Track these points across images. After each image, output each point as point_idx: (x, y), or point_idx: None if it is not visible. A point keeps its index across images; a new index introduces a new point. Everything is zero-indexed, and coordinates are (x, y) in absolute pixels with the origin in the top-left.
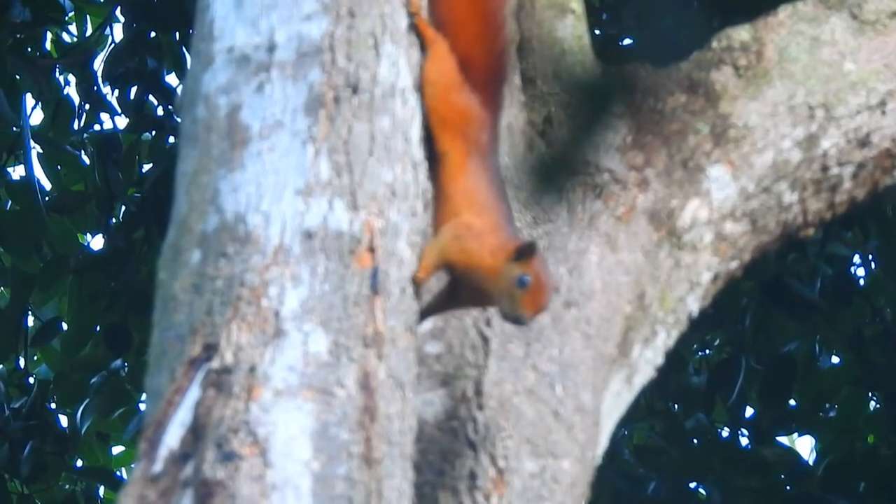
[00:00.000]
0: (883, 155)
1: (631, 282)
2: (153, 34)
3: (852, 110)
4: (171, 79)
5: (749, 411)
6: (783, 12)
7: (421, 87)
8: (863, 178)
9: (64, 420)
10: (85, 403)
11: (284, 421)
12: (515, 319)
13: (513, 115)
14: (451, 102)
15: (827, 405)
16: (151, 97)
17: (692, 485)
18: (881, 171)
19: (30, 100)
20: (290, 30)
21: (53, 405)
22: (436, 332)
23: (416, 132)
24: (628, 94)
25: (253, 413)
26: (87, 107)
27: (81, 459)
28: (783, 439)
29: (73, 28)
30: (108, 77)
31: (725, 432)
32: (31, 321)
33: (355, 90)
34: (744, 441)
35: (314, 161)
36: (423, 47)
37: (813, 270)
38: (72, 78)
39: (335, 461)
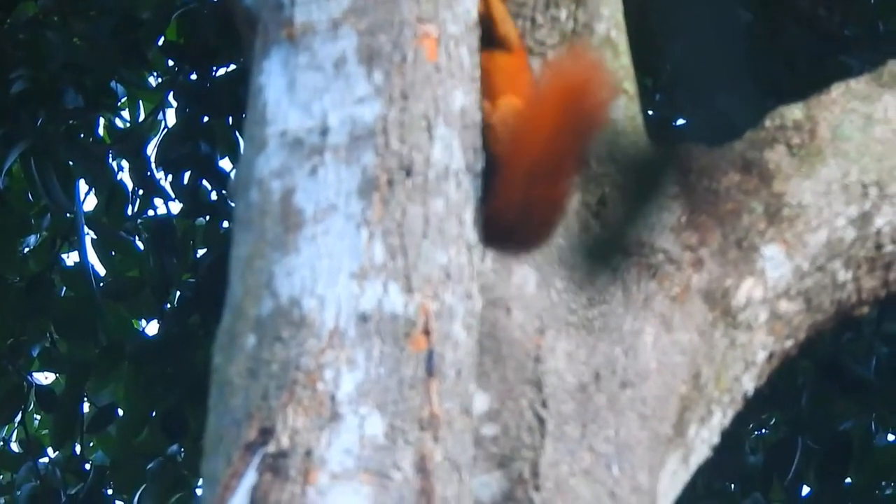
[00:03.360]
0: None
1: (686, 362)
2: (206, 119)
3: None
4: (225, 163)
5: (806, 490)
6: (836, 90)
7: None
8: None
9: None
10: (142, 489)
11: None
12: None
13: None
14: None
15: (884, 483)
16: (205, 182)
17: None
18: None
19: (83, 186)
20: (343, 113)
21: (110, 491)
22: (492, 414)
23: (469, 214)
24: (682, 175)
25: (310, 497)
26: (140, 192)
27: None
28: None
29: (125, 114)
30: (161, 162)
31: None
32: (86, 407)
33: (409, 173)
34: None
35: (368, 244)
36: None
37: (868, 349)
38: (125, 164)
39: None
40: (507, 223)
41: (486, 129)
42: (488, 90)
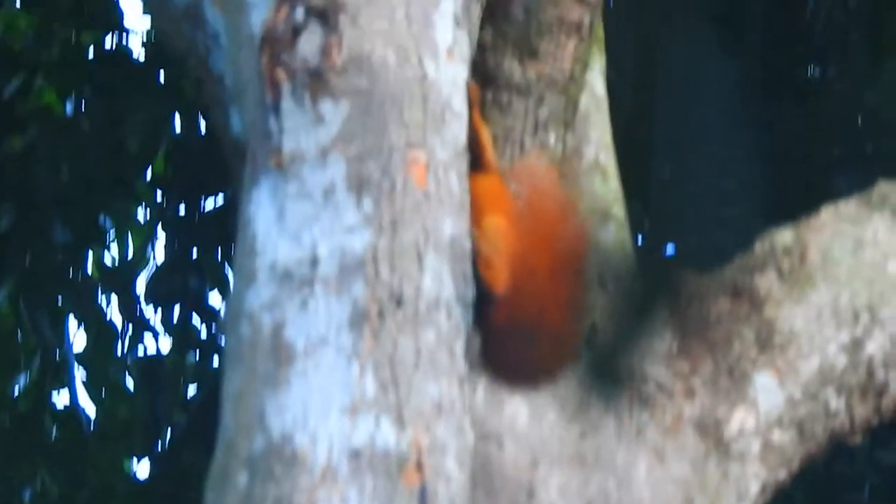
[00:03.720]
0: None
1: (679, 493)
2: (195, 252)
3: None
4: (215, 298)
5: None
6: (826, 213)
7: None
8: None
9: None
10: None
11: None
12: None
13: None
14: None
15: None
16: (195, 317)
17: None
18: None
19: (72, 323)
20: (333, 243)
21: None
22: None
23: (460, 345)
24: (673, 301)
25: None
26: (130, 329)
27: None
28: None
29: (114, 248)
30: (150, 298)
31: None
32: None
33: (399, 303)
34: None
35: (360, 378)
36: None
37: (861, 477)
38: (114, 299)
39: None
40: (508, 355)
41: (476, 256)
42: (474, 211)
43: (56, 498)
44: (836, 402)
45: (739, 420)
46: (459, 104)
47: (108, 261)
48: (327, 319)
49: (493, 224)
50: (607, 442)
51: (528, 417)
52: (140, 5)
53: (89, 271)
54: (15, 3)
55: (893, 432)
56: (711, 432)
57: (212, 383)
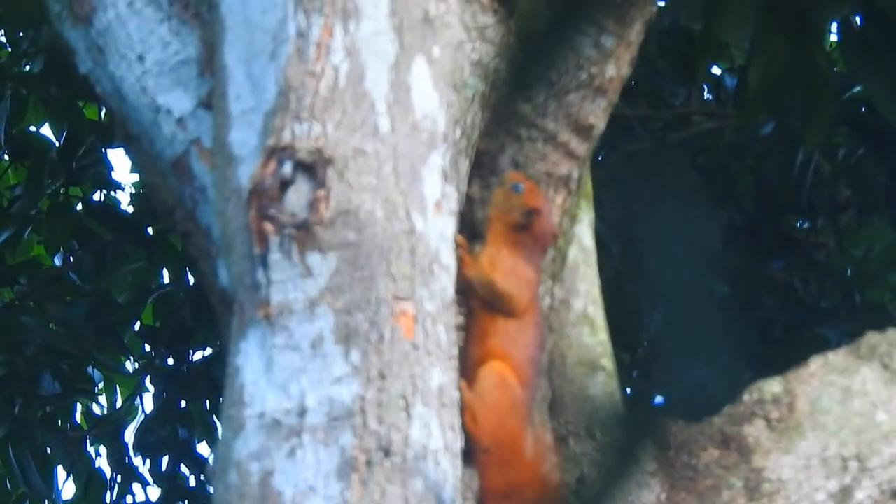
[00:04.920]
0: None
1: None
2: (184, 403)
3: (885, 461)
4: (203, 448)
5: None
6: (814, 363)
7: None
8: None
9: None
10: None
11: None
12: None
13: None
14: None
15: None
16: (183, 467)
17: None
18: None
19: (61, 473)
20: (321, 393)
21: None
22: None
23: (449, 493)
24: (661, 451)
25: None
26: (118, 478)
27: None
28: None
29: (102, 399)
30: (139, 447)
31: None
32: None
33: (387, 453)
34: None
35: None
36: None
37: None
38: (103, 449)
39: None
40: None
41: (464, 409)
42: (480, 354)
43: None
44: None
45: None
46: (447, 257)
47: (96, 411)
48: (315, 468)
49: (488, 374)
50: None
51: None
52: (128, 159)
53: (78, 421)
54: (3, 156)
55: None
56: None
57: None
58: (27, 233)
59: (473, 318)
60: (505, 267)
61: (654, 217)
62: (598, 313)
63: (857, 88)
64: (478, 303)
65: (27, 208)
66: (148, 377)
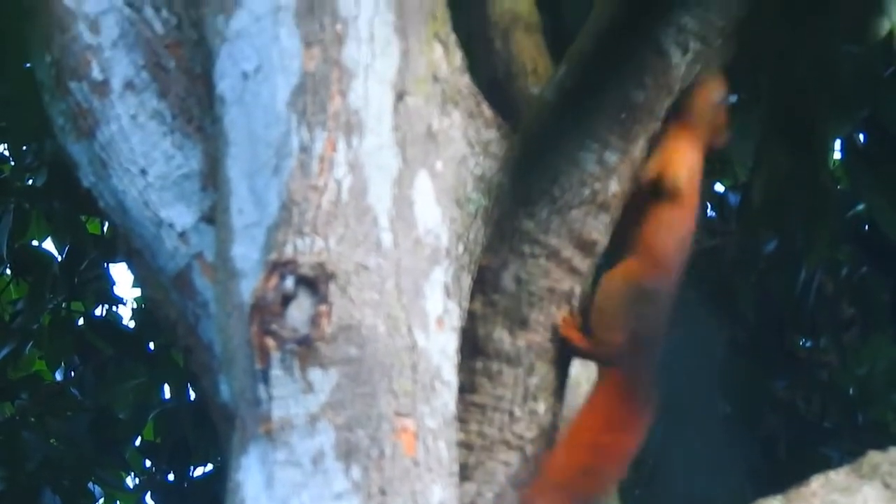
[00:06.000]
0: None
1: None
2: None
3: None
4: None
5: None
6: (816, 482)
7: None
8: None
9: None
10: None
11: None
12: None
13: None
14: None
15: None
16: None
17: None
18: None
19: None
20: None
21: None
22: None
23: None
24: None
25: None
26: None
27: None
28: None
29: None
30: None
31: None
32: None
33: None
34: None
35: None
36: None
37: None
38: None
39: None
40: None
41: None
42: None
43: None
44: None
45: None
46: (449, 373)
47: None
48: None
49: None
50: None
51: None
52: (130, 274)
53: None
54: (5, 270)
55: None
56: None
57: None
58: (28, 347)
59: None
60: (690, 163)
61: None
62: None
63: (861, 206)
64: (645, 194)
65: (29, 323)
66: (149, 493)
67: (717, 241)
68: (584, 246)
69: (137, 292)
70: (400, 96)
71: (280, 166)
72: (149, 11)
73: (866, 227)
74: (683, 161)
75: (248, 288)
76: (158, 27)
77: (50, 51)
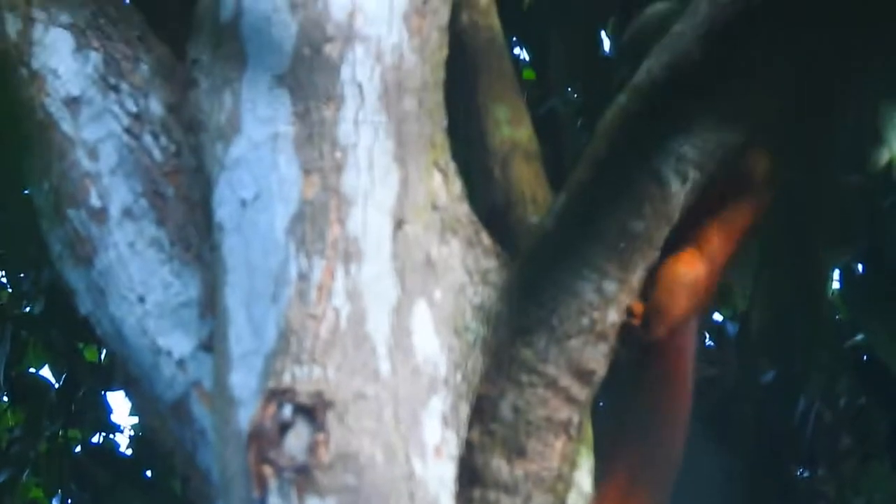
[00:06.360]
0: None
1: None
2: None
3: None
4: None
5: None
6: None
7: None
8: None
9: None
10: None
11: None
12: None
13: None
14: None
15: None
16: None
17: None
18: None
19: None
20: None
21: None
22: None
23: None
24: None
25: None
26: None
27: None
28: None
29: None
30: None
31: None
32: None
33: None
34: None
35: None
36: None
37: None
38: None
39: None
40: None
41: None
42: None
43: None
44: None
45: None
46: (447, 502)
47: None
48: None
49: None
50: None
51: None
52: (128, 401)
53: None
54: (2, 398)
55: None
56: None
57: None
58: (25, 475)
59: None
60: None
61: None
62: None
63: (860, 336)
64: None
65: (26, 450)
66: None
67: (716, 371)
68: (583, 375)
69: (135, 420)
70: (399, 224)
71: (278, 294)
72: (148, 138)
73: (865, 357)
74: None
75: (245, 416)
76: (157, 154)
77: (48, 177)
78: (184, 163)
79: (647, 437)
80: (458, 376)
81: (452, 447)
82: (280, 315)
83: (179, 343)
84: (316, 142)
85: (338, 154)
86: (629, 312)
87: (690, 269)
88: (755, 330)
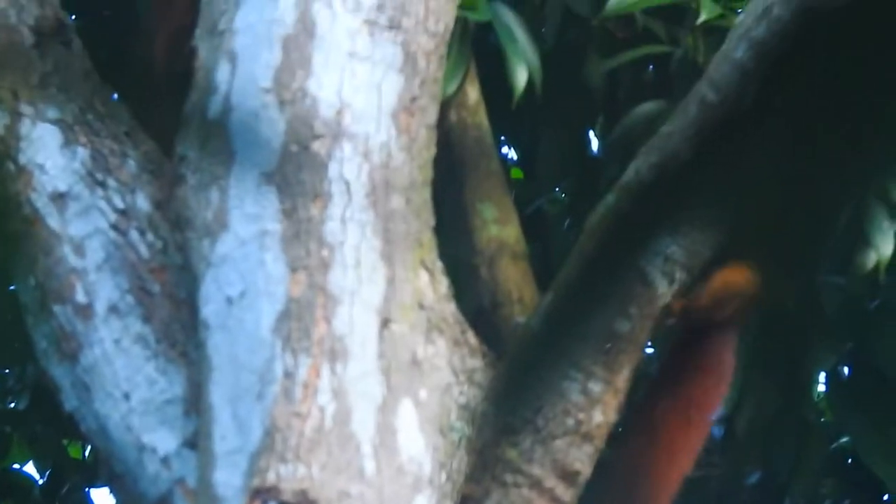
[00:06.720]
0: None
1: None
2: None
3: None
4: None
5: None
6: None
7: None
8: None
9: None
10: None
11: None
12: None
13: None
14: None
15: None
16: None
17: None
18: None
19: None
20: None
21: None
22: None
23: None
24: None
25: None
26: None
27: None
28: None
29: None
30: None
31: None
32: None
33: None
34: None
35: None
36: None
37: None
38: None
39: None
40: None
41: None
42: None
43: None
44: None
45: None
46: None
47: None
48: None
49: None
50: None
51: None
52: (112, 498)
53: None
54: None
55: None
56: None
57: None
58: None
59: None
60: None
61: None
62: None
63: (845, 439)
64: None
65: None
66: None
67: (702, 473)
68: (567, 476)
69: None
70: (385, 323)
71: (263, 392)
72: (134, 235)
73: (849, 460)
74: None
75: None
76: (144, 251)
77: (34, 273)
78: (170, 259)
79: None
80: (443, 476)
81: None
82: (265, 413)
83: (164, 440)
84: (303, 239)
85: (325, 252)
86: None
87: None
88: (741, 432)
